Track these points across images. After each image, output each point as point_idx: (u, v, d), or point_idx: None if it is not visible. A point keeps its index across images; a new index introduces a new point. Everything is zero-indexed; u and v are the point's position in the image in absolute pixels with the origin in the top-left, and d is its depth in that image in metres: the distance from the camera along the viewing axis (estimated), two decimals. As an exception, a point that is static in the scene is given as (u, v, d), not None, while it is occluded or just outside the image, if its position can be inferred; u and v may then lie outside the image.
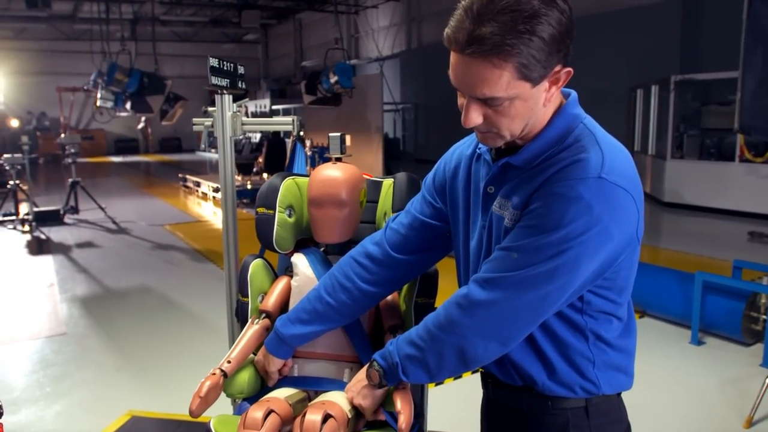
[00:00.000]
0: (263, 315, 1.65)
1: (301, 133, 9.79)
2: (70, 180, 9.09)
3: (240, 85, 2.37)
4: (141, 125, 21.77)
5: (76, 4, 18.16)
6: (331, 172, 1.65)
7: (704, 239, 7.45)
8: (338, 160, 1.76)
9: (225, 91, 2.27)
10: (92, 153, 22.28)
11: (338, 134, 1.80)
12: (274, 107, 17.81)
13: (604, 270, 1.08)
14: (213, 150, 19.39)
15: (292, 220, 1.76)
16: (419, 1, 17.88)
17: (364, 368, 1.32)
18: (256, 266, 1.75)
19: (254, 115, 16.61)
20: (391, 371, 1.24)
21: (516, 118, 1.07)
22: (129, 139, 25.11)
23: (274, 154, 10.60)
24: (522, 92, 1.03)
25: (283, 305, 1.67)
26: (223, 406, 1.64)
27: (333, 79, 8.23)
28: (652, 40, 10.88)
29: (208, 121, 2.41)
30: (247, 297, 1.73)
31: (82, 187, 9.26)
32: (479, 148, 1.25)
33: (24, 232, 8.31)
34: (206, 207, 10.78)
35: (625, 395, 1.25)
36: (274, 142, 10.83)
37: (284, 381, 1.58)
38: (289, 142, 10.11)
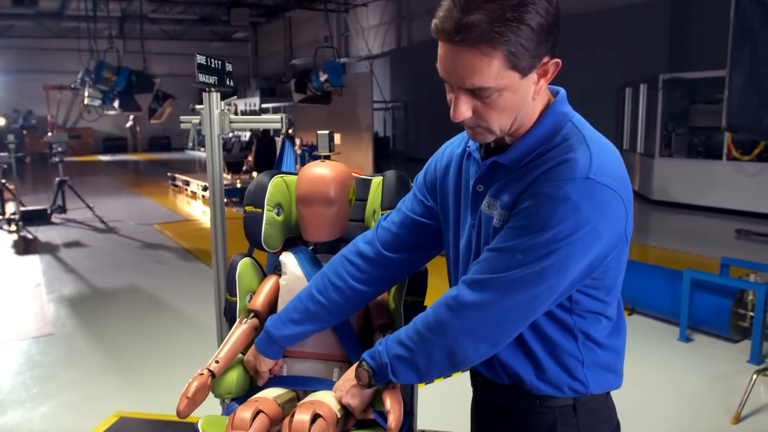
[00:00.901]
0: (252, 314, 1.63)
1: (290, 131, 9.76)
2: (57, 179, 8.99)
3: (228, 83, 2.35)
4: (129, 124, 21.46)
5: (63, 1, 18.00)
6: (319, 170, 1.64)
7: (692, 237, 7.51)
8: (327, 158, 1.75)
9: (213, 89, 2.25)
10: (80, 152, 22.09)
11: (326, 132, 1.79)
12: (263, 105, 17.75)
13: (593, 270, 1.08)
14: (201, 149, 19.29)
15: (280, 218, 1.74)
16: (409, 0, 17.90)
17: (353, 367, 1.31)
18: (244, 265, 1.73)
19: (244, 113, 16.55)
20: (381, 371, 1.23)
21: (505, 110, 1.06)
22: (117, 137, 24.94)
23: (263, 152, 10.59)
24: (511, 83, 1.03)
25: (272, 304, 1.66)
26: (211, 406, 1.63)
27: (323, 77, 8.21)
28: (641, 39, 10.95)
29: (195, 119, 2.38)
30: (236, 296, 1.71)
31: (70, 186, 9.17)
32: (469, 146, 1.24)
33: (10, 231, 8.22)
34: (195, 206, 10.72)
35: (613, 392, 1.25)
36: (263, 140, 10.83)
37: (273, 381, 1.57)
38: (279, 140, 10.08)
